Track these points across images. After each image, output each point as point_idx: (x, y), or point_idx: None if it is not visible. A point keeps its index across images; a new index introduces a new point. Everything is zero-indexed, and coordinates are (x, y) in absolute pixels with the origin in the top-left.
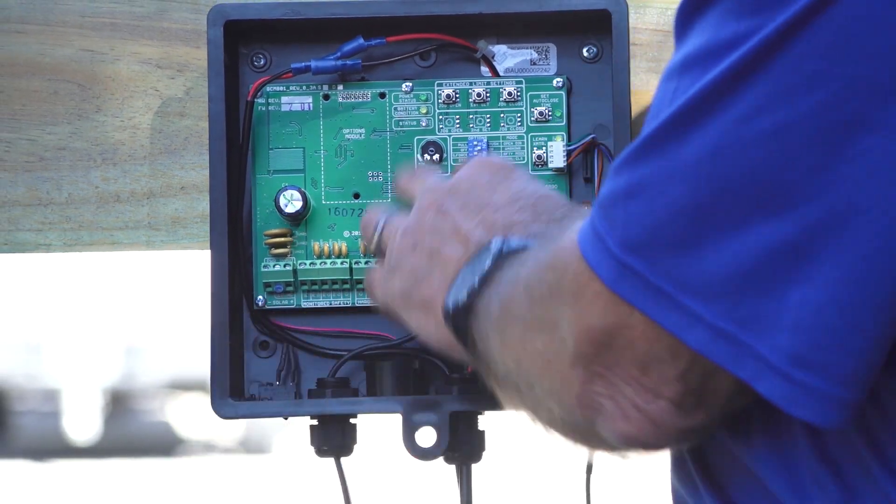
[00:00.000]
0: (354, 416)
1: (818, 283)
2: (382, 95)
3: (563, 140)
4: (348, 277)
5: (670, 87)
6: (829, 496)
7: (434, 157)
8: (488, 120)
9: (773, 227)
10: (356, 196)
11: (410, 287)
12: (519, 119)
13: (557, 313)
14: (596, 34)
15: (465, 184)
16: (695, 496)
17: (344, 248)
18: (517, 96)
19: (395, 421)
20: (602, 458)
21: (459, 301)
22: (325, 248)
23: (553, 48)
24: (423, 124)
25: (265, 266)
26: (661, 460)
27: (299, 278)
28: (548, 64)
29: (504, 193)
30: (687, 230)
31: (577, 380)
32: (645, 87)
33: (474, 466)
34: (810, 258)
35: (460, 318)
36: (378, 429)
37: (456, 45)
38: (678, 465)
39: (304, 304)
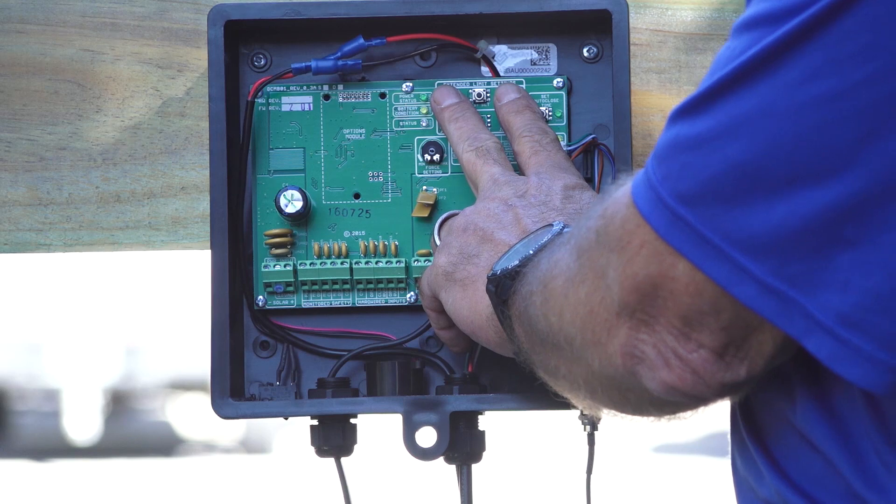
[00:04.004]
0: (354, 416)
1: (866, 246)
2: (383, 95)
3: (563, 140)
4: (348, 277)
5: (732, 45)
6: (889, 469)
7: (434, 157)
8: (489, 120)
9: (823, 191)
10: (356, 196)
11: (455, 264)
12: None
13: (604, 261)
14: (596, 34)
15: (537, 191)
16: (758, 478)
17: (344, 248)
18: None
19: (395, 421)
20: (629, 425)
21: (509, 266)
22: (326, 248)
23: (553, 48)
24: (424, 124)
25: (265, 266)
26: (665, 461)
27: (299, 278)
28: (548, 64)
29: (574, 205)
30: (739, 187)
31: (623, 327)
32: (645, 87)
33: (474, 466)
34: (859, 222)
35: (505, 282)
36: (378, 429)
37: (456, 45)
38: (741, 448)
39: (305, 304)
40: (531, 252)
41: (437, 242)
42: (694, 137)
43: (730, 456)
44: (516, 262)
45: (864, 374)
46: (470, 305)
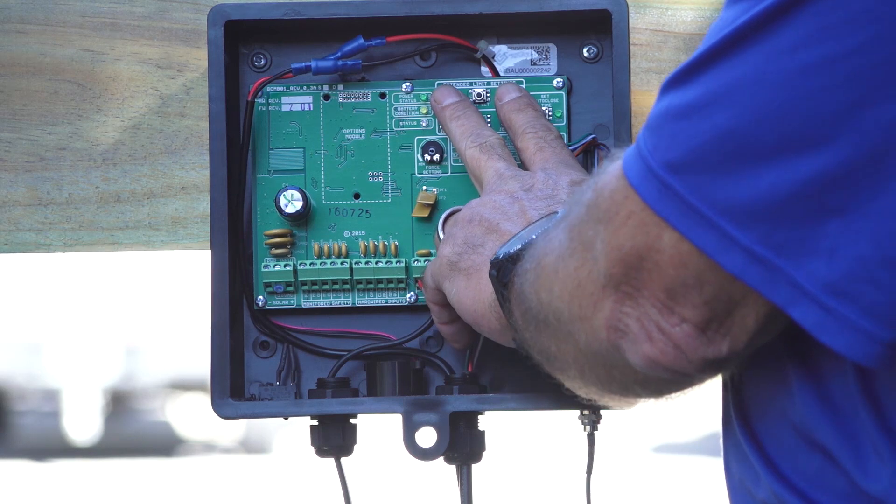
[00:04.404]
0: (354, 416)
1: (854, 214)
2: (383, 95)
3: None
4: (348, 277)
5: (724, 16)
6: (881, 457)
7: (434, 157)
8: (489, 120)
9: (811, 159)
10: (356, 196)
11: (460, 254)
12: None
13: (593, 233)
14: (596, 34)
15: (544, 185)
16: (754, 480)
17: (344, 248)
18: None
19: (395, 421)
20: (618, 413)
21: (511, 250)
22: (326, 248)
23: (553, 48)
24: (424, 124)
25: (265, 266)
26: (665, 461)
27: (299, 278)
28: (548, 64)
29: None
30: (727, 155)
31: (608, 300)
32: (645, 87)
33: (474, 466)
34: (848, 190)
35: (507, 265)
36: (378, 429)
37: (456, 45)
38: (736, 450)
39: (305, 304)
40: (534, 237)
41: (441, 237)
42: (684, 106)
43: (722, 458)
44: (518, 247)
45: (850, 343)
46: (473, 294)
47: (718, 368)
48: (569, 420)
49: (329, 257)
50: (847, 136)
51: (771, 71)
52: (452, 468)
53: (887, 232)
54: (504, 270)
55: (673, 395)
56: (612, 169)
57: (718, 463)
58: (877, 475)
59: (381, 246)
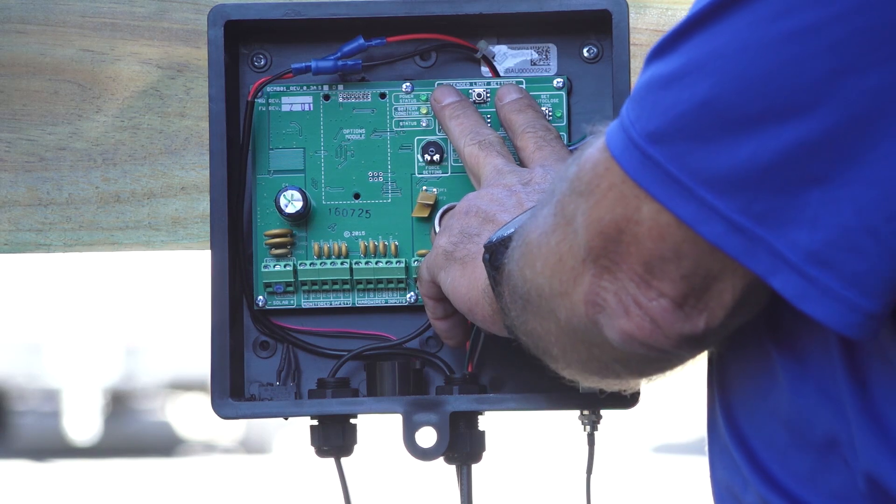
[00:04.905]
0: (354, 416)
1: (836, 183)
2: (383, 96)
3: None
4: (348, 278)
5: None
6: (867, 444)
7: (434, 158)
8: (489, 120)
9: (792, 127)
10: (356, 196)
11: (456, 244)
12: None
13: (574, 206)
14: (596, 34)
15: (542, 180)
16: (742, 485)
17: (344, 249)
18: None
19: (395, 421)
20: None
21: (504, 234)
22: (326, 249)
23: (553, 48)
24: (424, 124)
25: (265, 266)
26: (665, 461)
27: (299, 278)
28: (548, 64)
29: None
30: (707, 123)
31: (587, 274)
32: None
33: (474, 466)
34: (831, 159)
35: (499, 249)
36: (378, 429)
37: (456, 45)
38: (723, 455)
39: (305, 305)
40: (525, 219)
41: (437, 231)
42: (666, 76)
43: (708, 465)
44: (511, 231)
45: (832, 313)
46: (468, 282)
47: (696, 345)
48: (569, 420)
49: (329, 257)
50: (829, 104)
51: (753, 39)
52: (452, 468)
53: (870, 200)
54: (497, 254)
55: (654, 375)
56: (596, 143)
57: None
58: (867, 461)
59: (381, 246)
